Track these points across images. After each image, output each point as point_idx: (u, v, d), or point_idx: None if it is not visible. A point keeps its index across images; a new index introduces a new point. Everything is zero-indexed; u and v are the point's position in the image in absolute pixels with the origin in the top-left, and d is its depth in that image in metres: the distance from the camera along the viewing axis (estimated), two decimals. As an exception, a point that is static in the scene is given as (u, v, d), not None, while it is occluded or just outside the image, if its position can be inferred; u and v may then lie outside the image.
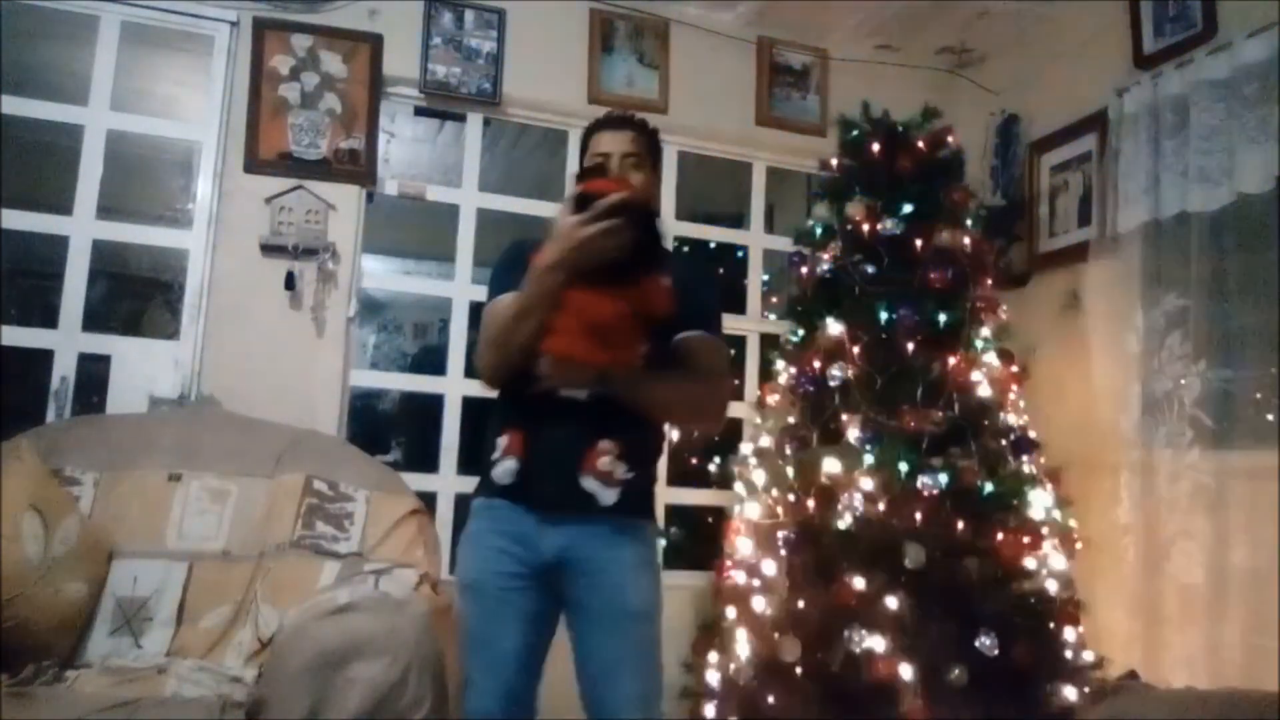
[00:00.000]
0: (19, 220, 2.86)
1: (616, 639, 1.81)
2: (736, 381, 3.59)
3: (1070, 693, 2.55)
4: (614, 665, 1.81)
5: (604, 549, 1.80)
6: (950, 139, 3.07)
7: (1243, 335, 2.64)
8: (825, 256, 3.02)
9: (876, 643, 2.48)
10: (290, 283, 2.97)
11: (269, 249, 2.98)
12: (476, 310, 3.41)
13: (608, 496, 1.75)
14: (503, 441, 1.82)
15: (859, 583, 2.54)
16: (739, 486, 3.09)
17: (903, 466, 2.64)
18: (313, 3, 3.10)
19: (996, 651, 2.51)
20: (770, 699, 2.63)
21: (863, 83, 3.53)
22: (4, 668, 2.05)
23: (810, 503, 2.76)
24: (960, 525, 2.63)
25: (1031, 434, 2.86)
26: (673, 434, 1.87)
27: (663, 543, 1.96)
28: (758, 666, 2.69)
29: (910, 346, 2.79)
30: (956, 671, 2.48)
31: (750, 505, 2.99)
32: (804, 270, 3.11)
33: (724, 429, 1.91)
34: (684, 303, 1.80)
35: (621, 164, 1.92)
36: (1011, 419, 2.86)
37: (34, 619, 2.12)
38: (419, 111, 3.42)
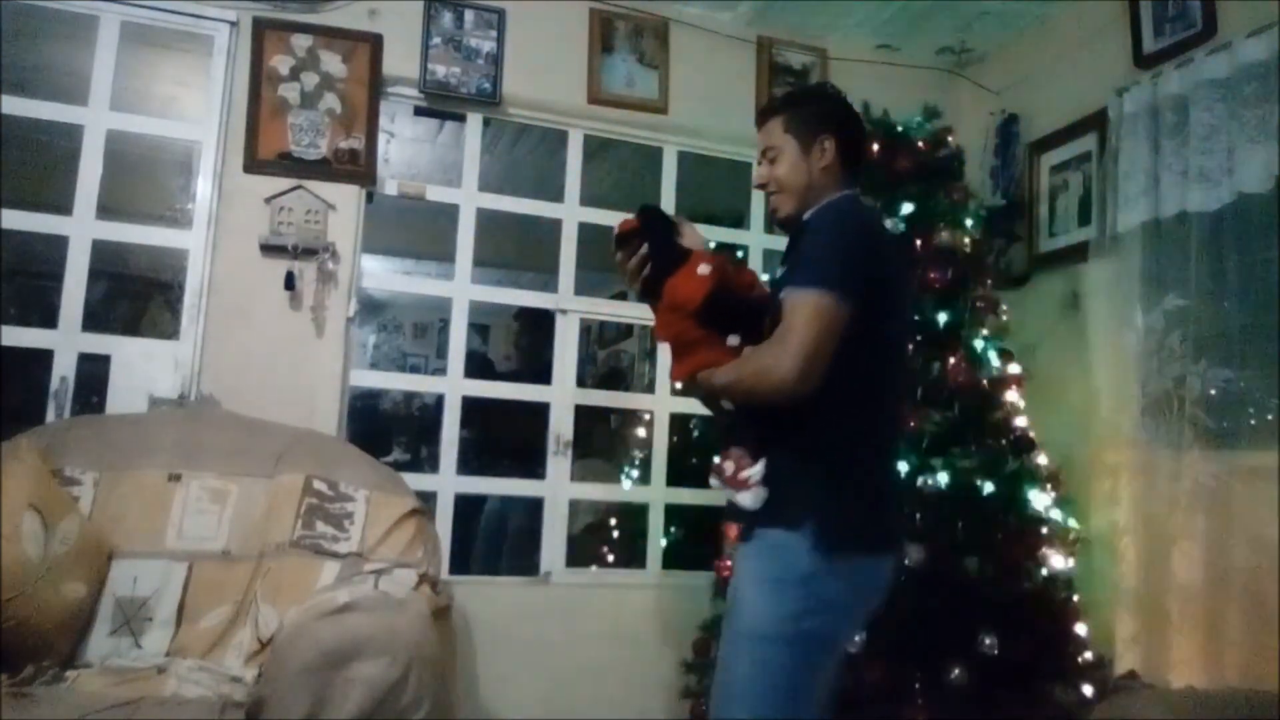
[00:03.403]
0: (19, 220, 2.85)
1: (721, 656, 1.79)
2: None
3: (1070, 692, 2.55)
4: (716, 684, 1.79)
5: (739, 561, 1.82)
6: (950, 139, 3.07)
7: (1243, 335, 2.63)
8: (825, 256, 3.02)
9: (877, 643, 2.47)
10: (290, 283, 2.97)
11: (269, 249, 2.98)
12: (475, 310, 3.42)
13: (745, 500, 1.73)
14: None
15: (859, 583, 2.53)
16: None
17: (903, 466, 2.64)
18: (313, 3, 3.10)
19: (997, 651, 2.51)
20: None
21: (863, 83, 3.50)
22: (4, 668, 2.05)
23: (810, 502, 2.75)
24: (960, 525, 2.63)
25: (1031, 434, 2.86)
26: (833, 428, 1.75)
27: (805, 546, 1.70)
28: (758, 666, 2.69)
29: (910, 346, 2.79)
30: (957, 671, 2.48)
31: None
32: (804, 270, 3.10)
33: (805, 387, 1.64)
34: (792, 266, 1.77)
35: (763, 163, 1.91)
36: (1011, 419, 2.86)
37: (34, 619, 2.12)
38: (419, 111, 3.41)
